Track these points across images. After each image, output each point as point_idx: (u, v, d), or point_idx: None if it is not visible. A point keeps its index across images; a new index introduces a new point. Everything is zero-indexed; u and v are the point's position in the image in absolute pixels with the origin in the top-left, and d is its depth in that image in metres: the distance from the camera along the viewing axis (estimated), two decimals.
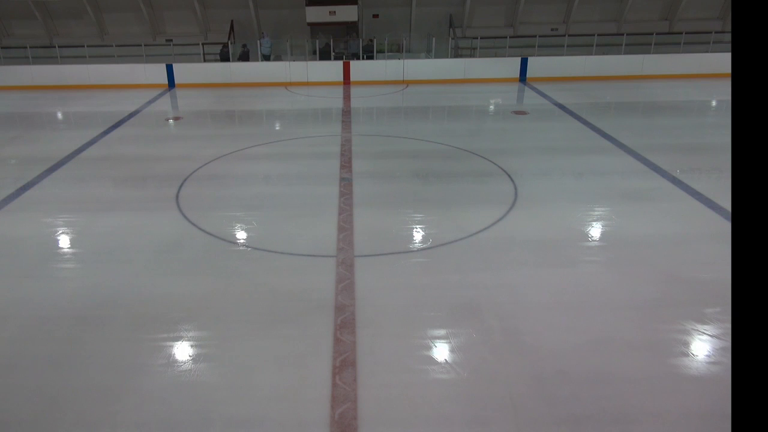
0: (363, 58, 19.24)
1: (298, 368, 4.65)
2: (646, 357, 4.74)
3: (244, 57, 19.29)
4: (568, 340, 4.96)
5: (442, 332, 5.11)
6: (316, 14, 19.66)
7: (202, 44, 20.46)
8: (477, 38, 19.79)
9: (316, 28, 20.38)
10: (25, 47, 19.20)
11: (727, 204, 7.88)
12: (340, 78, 18.89)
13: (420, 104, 15.96)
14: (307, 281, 6.04)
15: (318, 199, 8.39)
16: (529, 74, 18.85)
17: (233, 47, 19.43)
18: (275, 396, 4.35)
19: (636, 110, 14.59)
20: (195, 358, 4.81)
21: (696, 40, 19.55)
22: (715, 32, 19.63)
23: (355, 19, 19.71)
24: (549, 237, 7.02)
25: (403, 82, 18.79)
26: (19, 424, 4.12)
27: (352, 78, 18.88)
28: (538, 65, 18.82)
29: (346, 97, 16.81)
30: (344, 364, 4.67)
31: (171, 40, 21.16)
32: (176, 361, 4.79)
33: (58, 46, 19.47)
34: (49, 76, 18.62)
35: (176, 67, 18.69)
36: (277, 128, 13.74)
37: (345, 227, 7.34)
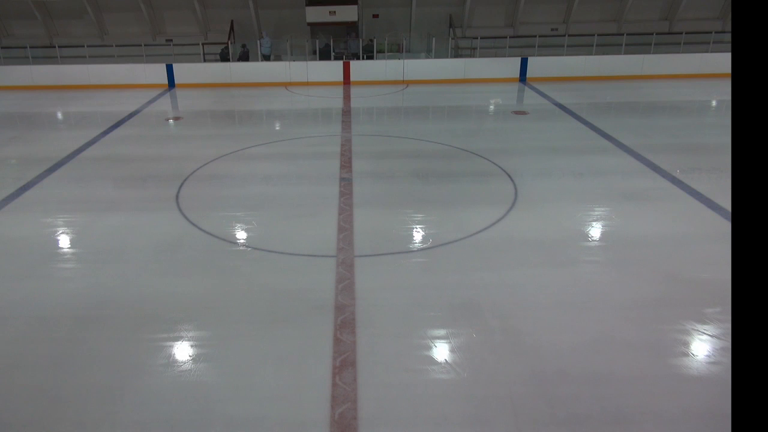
0: (363, 58, 19.23)
1: (298, 368, 4.65)
2: (646, 357, 4.74)
3: (244, 57, 19.29)
4: (568, 340, 4.96)
5: (442, 332, 5.11)
6: (316, 14, 19.65)
7: (202, 44, 20.45)
8: (477, 38, 19.79)
9: (316, 28, 20.37)
10: (25, 47, 19.20)
11: (727, 204, 7.88)
12: (340, 78, 18.89)
13: (420, 104, 15.96)
14: (307, 281, 6.04)
15: (318, 199, 8.39)
16: (529, 74, 18.85)
17: (233, 47, 19.43)
18: (275, 396, 4.36)
19: (636, 110, 14.59)
20: (195, 358, 4.81)
21: (696, 40, 19.55)
22: (715, 32, 19.63)
23: (355, 19, 19.70)
24: (549, 237, 7.02)
25: (403, 82, 18.79)
26: (20, 424, 4.12)
27: (352, 78, 18.88)
28: (538, 65, 18.82)
29: (346, 97, 16.81)
30: (344, 364, 4.67)
31: (171, 40, 21.16)
32: (176, 361, 4.79)
33: (58, 46, 19.46)
34: (49, 76, 18.61)
35: (176, 67, 18.69)
36: (277, 128, 13.74)
37: (345, 227, 7.34)
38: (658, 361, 4.69)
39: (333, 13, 19.47)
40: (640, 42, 19.37)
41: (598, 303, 5.56)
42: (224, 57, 19.30)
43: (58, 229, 7.52)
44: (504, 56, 19.27)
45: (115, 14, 21.48)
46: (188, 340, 5.06)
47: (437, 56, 19.30)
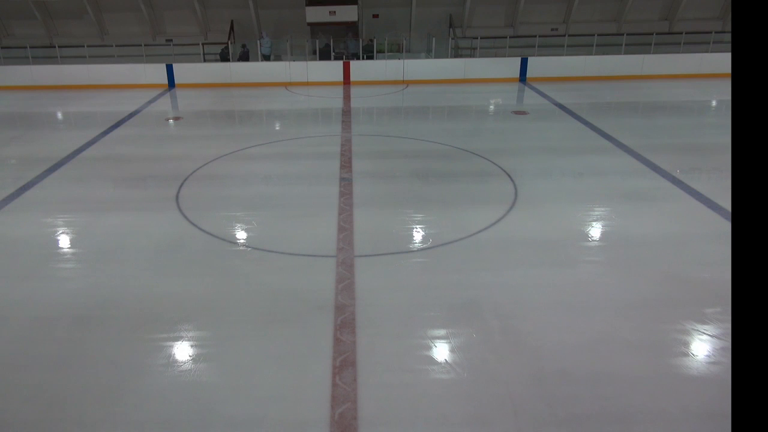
0: (363, 58, 19.23)
1: (298, 368, 4.65)
2: (646, 357, 4.74)
3: (244, 57, 19.29)
4: (568, 340, 4.96)
5: (442, 332, 5.11)
6: (316, 14, 19.64)
7: (202, 44, 20.45)
8: (477, 38, 19.79)
9: (316, 28, 20.36)
10: (25, 47, 19.19)
11: (727, 204, 7.88)
12: (340, 78, 18.89)
13: (420, 104, 15.95)
14: (307, 281, 6.04)
15: (318, 199, 8.39)
16: (529, 74, 18.85)
17: (233, 47, 19.43)
18: (275, 396, 4.35)
19: (636, 110, 14.59)
20: (195, 358, 4.81)
21: (696, 40, 19.55)
22: (715, 32, 19.63)
23: (355, 19, 19.69)
24: (549, 237, 7.02)
25: (403, 82, 18.79)
26: (20, 424, 4.12)
27: (352, 78, 18.88)
28: (538, 65, 18.82)
29: (346, 97, 16.81)
30: (344, 364, 4.67)
31: (171, 40, 21.15)
32: (176, 361, 4.79)
33: (58, 46, 19.46)
34: (49, 76, 18.61)
35: (176, 67, 18.69)
36: (277, 128, 13.74)
37: (345, 227, 7.34)
38: (658, 361, 4.69)
39: (333, 13, 19.46)
40: (640, 42, 19.36)
41: (598, 303, 5.56)
42: (224, 57, 19.30)
43: (58, 229, 7.52)
44: (504, 56, 19.27)
45: (115, 14, 21.47)
46: (188, 340, 5.06)
47: (437, 56, 19.30)
